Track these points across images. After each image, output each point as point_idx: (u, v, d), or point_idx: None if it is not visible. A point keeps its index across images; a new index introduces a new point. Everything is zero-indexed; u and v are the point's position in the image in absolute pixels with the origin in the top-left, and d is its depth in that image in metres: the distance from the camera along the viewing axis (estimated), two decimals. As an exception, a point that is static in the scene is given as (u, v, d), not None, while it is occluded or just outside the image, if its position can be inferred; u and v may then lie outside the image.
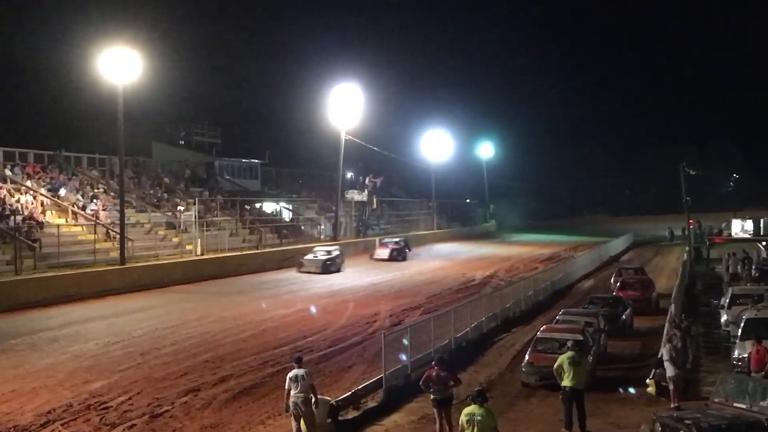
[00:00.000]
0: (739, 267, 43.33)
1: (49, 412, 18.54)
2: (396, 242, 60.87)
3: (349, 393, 19.17)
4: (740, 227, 69.56)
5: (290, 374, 16.35)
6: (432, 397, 16.89)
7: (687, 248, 57.81)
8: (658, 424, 15.41)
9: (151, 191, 55.30)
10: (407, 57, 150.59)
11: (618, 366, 24.65)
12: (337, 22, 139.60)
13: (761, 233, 52.84)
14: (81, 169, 53.65)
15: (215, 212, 56.15)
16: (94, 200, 47.37)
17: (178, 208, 53.03)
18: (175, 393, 20.33)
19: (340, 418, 17.79)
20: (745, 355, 21.40)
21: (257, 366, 23.55)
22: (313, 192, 77.69)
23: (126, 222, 43.40)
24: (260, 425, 18.00)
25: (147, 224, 49.14)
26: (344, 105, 64.84)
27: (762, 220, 53.16)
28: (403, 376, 20.97)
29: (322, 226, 67.79)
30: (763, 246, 52.59)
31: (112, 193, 50.10)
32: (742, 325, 23.72)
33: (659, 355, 21.07)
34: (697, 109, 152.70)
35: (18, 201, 42.49)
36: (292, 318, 32.61)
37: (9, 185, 44.42)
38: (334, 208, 67.46)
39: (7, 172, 46.31)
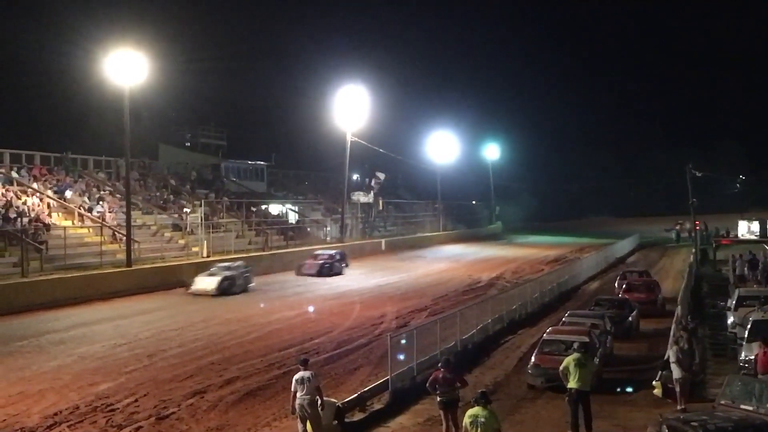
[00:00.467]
0: (745, 268, 43.25)
1: (55, 413, 18.59)
2: (330, 255, 52.58)
3: (356, 395, 19.18)
4: (746, 229, 69.48)
5: (296, 376, 16.35)
6: (438, 399, 16.89)
7: (693, 250, 57.75)
8: (665, 426, 15.36)
9: (158, 193, 55.36)
10: (413, 58, 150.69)
11: (624, 368, 24.58)
12: (343, 24, 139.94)
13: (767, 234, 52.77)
14: (87, 171, 53.72)
15: (221, 214, 56.17)
16: (101, 202, 47.44)
17: (185, 209, 53.07)
18: (181, 395, 20.36)
19: (346, 420, 17.79)
20: (752, 357, 21.35)
21: (263, 368, 23.56)
22: (319, 194, 77.69)
23: (132, 224, 43.42)
24: (266, 427, 18.02)
25: (153, 226, 49.19)
26: (350, 107, 64.94)
27: (768, 222, 53.10)
28: (409, 378, 20.96)
29: (328, 228, 67.79)
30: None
31: (118, 195, 50.13)
32: (748, 327, 23.67)
33: (666, 357, 21.03)
34: (704, 111, 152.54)
35: (24, 203, 42.54)
36: (298, 320, 32.63)
37: (16, 187, 44.50)
38: (340, 209, 67.52)
39: (14, 174, 46.39)
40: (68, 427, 17.74)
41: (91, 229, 44.50)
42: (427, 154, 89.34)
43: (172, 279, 42.57)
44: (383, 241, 70.49)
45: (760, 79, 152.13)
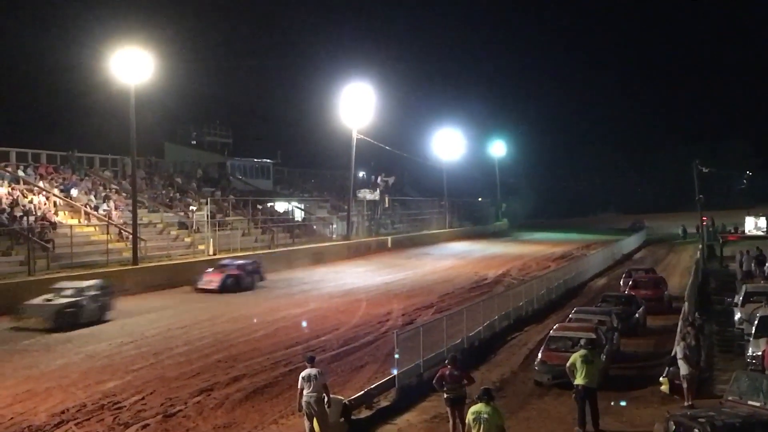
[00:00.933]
0: (752, 265, 43.14)
1: (62, 412, 18.61)
2: (239, 265, 42.70)
3: (362, 392, 19.18)
4: (753, 224, 69.33)
5: (303, 374, 16.35)
6: (445, 396, 16.89)
7: (700, 246, 57.62)
8: (672, 422, 15.35)
9: (164, 191, 55.41)
10: (419, 56, 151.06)
11: (631, 365, 24.56)
12: (348, 22, 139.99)
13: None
14: (93, 169, 53.81)
15: (227, 212, 56.19)
16: (107, 200, 47.49)
17: (191, 208, 53.11)
18: (188, 393, 20.37)
19: (352, 417, 17.77)
20: (759, 353, 21.32)
21: (270, 365, 23.57)
22: (325, 191, 77.69)
23: (138, 222, 43.47)
24: (273, 425, 18.02)
25: (159, 224, 49.22)
26: (356, 104, 64.86)
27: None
28: (415, 375, 20.95)
29: (334, 226, 67.77)
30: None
31: (124, 194, 50.19)
32: (755, 323, 23.64)
33: (673, 354, 20.99)
34: (710, 107, 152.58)
35: (31, 201, 42.62)
36: (305, 317, 32.57)
37: (22, 186, 44.60)
38: (346, 207, 67.48)
39: (20, 173, 46.49)
40: (75, 425, 17.76)
41: (97, 228, 44.53)
42: (433, 151, 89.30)
43: (179, 277, 42.59)
44: (389, 238, 70.47)
45: (766, 75, 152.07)
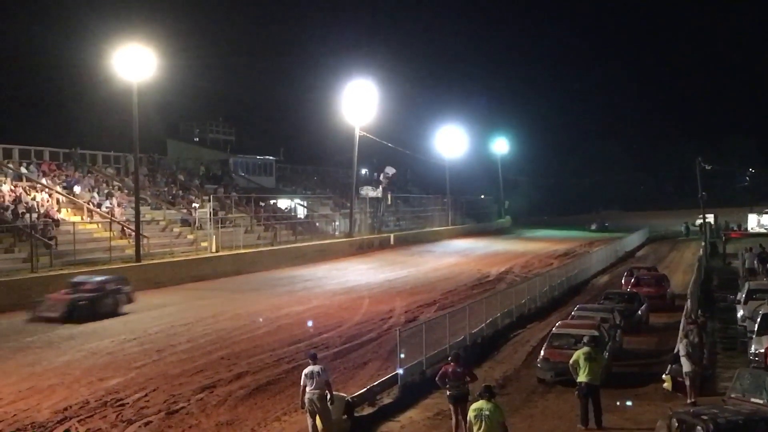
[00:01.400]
0: (755, 262, 43.13)
1: (65, 408, 18.63)
2: (97, 283, 32.88)
3: (365, 389, 19.19)
4: (756, 222, 69.42)
5: (306, 371, 16.36)
6: (448, 393, 16.88)
7: (703, 243, 57.61)
8: (675, 419, 15.34)
9: (166, 188, 55.44)
10: (421, 53, 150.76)
11: (634, 362, 24.54)
12: (351, 19, 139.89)
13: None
14: (96, 166, 53.83)
15: (230, 209, 56.23)
16: (110, 198, 47.51)
17: (193, 205, 53.11)
18: (190, 390, 20.39)
19: (355, 414, 17.80)
20: (762, 350, 21.37)
21: (273, 363, 23.58)
22: (327, 188, 77.76)
23: (141, 219, 43.53)
24: (276, 421, 18.02)
25: (162, 221, 49.27)
26: (358, 101, 64.88)
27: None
28: (418, 373, 20.96)
29: (337, 223, 67.81)
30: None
31: (127, 191, 50.22)
32: (758, 320, 23.63)
33: (675, 351, 20.98)
34: (713, 105, 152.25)
35: (34, 198, 42.66)
36: (308, 314, 32.59)
37: (25, 183, 44.65)
38: (348, 204, 67.49)
39: (23, 170, 46.54)
40: (78, 421, 17.77)
41: (100, 225, 44.59)
42: (436, 148, 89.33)
43: (182, 274, 42.64)
44: (392, 235, 70.49)
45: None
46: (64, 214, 43.47)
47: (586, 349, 18.37)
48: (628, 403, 19.64)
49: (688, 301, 28.38)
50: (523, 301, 32.43)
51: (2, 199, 40.76)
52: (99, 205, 46.17)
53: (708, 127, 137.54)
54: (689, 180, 64.09)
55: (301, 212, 67.34)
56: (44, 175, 47.14)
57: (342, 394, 17.77)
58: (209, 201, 52.25)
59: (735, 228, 73.76)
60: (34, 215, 40.18)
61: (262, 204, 61.81)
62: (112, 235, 43.50)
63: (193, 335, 27.99)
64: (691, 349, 19.92)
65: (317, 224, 65.89)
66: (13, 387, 20.57)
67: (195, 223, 50.62)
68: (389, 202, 77.45)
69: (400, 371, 20.13)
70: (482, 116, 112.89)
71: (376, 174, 79.89)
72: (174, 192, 55.40)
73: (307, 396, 16.17)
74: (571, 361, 18.31)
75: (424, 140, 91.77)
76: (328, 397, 16.23)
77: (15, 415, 18.19)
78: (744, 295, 29.61)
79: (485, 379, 19.67)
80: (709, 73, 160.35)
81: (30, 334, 27.82)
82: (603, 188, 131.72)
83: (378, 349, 25.42)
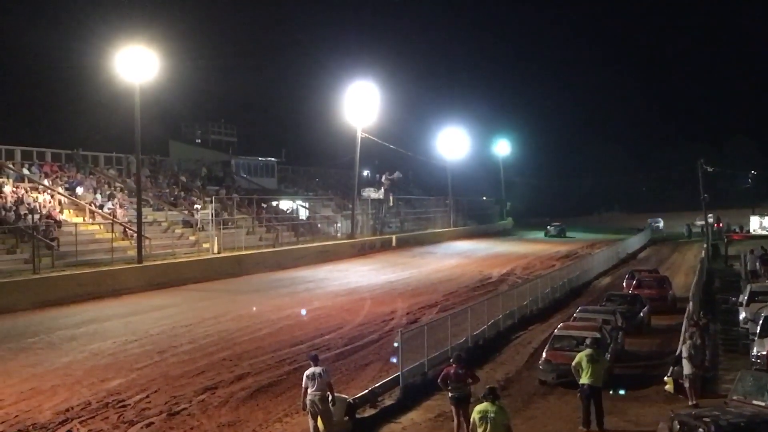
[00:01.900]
0: (757, 264, 43.08)
1: (67, 410, 18.62)
2: None
3: (366, 391, 19.17)
4: (758, 224, 69.37)
5: (307, 372, 16.35)
6: (450, 394, 16.87)
7: (705, 245, 57.56)
8: (676, 421, 15.34)
9: (168, 190, 55.43)
10: (423, 55, 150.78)
11: (636, 364, 24.53)
12: (353, 21, 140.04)
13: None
14: (98, 167, 53.87)
15: (232, 210, 56.24)
16: (111, 199, 47.53)
17: (195, 206, 53.13)
18: (192, 391, 20.38)
19: (357, 416, 17.79)
20: (764, 353, 21.33)
21: (274, 364, 23.57)
22: (329, 190, 77.75)
23: (143, 220, 43.52)
24: (277, 423, 18.01)
25: (164, 223, 49.27)
26: (360, 103, 64.95)
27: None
28: (420, 374, 20.95)
29: (339, 224, 67.80)
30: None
31: (128, 192, 50.25)
32: (760, 322, 23.57)
33: (678, 353, 20.97)
34: (715, 106, 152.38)
35: (36, 200, 42.68)
36: (309, 316, 32.62)
37: (27, 184, 44.66)
38: (350, 206, 67.50)
39: (25, 171, 46.59)
40: (80, 422, 17.76)
41: (102, 226, 44.61)
42: (438, 150, 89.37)
43: (183, 276, 42.65)
44: (394, 237, 70.50)
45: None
46: (66, 216, 43.47)
47: (588, 350, 18.37)
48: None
49: (690, 303, 28.35)
50: (525, 302, 32.41)
51: (4, 200, 40.77)
52: (101, 207, 46.18)
53: (710, 129, 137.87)
54: (692, 182, 63.98)
55: (303, 214, 67.32)
56: (46, 176, 47.17)
57: (343, 396, 17.75)
58: (211, 202, 52.27)
59: (737, 230, 73.74)
60: (36, 216, 40.20)
61: (264, 205, 61.82)
62: (114, 236, 43.54)
63: (194, 336, 27.98)
64: (693, 352, 19.91)
65: (319, 226, 65.90)
66: (14, 388, 20.56)
67: (197, 224, 50.64)
68: (391, 204, 77.47)
69: (401, 369, 20.12)
70: (484, 118, 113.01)
71: (378, 175, 79.88)
72: (176, 193, 55.41)
73: (308, 397, 16.16)
74: (573, 363, 18.30)
75: (425, 142, 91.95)
76: (330, 398, 16.22)
77: (17, 416, 18.19)
78: (746, 297, 29.53)
79: (487, 381, 19.64)
80: (712, 75, 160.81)
81: (32, 335, 27.81)
82: (605, 190, 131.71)
83: (380, 351, 25.39)
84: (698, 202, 61.89)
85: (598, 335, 21.74)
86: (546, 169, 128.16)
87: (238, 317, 32.23)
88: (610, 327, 24.86)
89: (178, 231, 49.58)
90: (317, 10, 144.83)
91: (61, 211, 43.29)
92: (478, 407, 14.25)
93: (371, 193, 74.03)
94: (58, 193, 45.24)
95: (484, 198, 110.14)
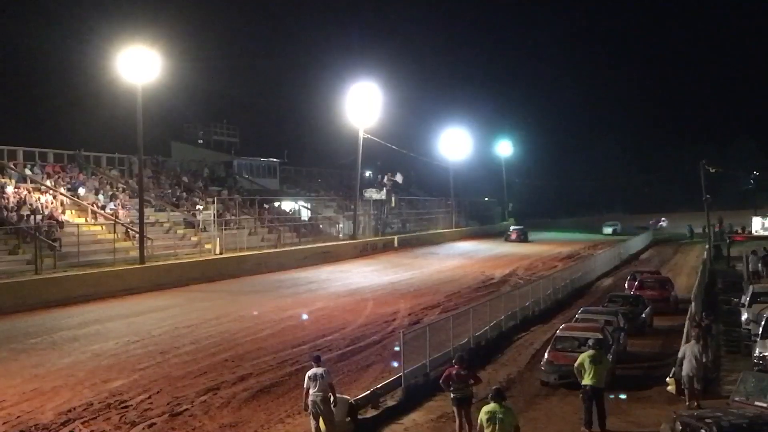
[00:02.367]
0: (759, 265, 43.06)
1: (69, 410, 18.62)
2: None
3: (368, 392, 19.14)
4: (761, 225, 69.11)
5: (309, 373, 16.36)
6: (452, 395, 16.85)
7: (707, 246, 57.52)
8: (678, 423, 15.32)
9: (170, 190, 55.46)
10: (425, 55, 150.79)
11: (638, 365, 24.52)
12: (355, 21, 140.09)
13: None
14: (100, 168, 53.90)
15: (234, 211, 56.26)
16: (114, 199, 47.55)
17: (197, 207, 53.17)
18: (194, 392, 20.37)
19: (359, 416, 17.78)
20: (766, 354, 21.28)
21: (276, 365, 23.56)
22: (331, 190, 77.79)
23: (145, 221, 43.57)
24: (279, 424, 18.01)
25: (166, 223, 49.31)
26: (362, 103, 64.96)
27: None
28: (422, 375, 20.94)
29: (341, 225, 67.84)
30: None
31: (131, 192, 50.30)
32: (762, 323, 23.56)
33: (680, 354, 20.94)
34: (717, 107, 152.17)
35: (38, 200, 42.71)
36: (311, 317, 32.61)
37: (29, 185, 44.69)
38: (352, 206, 67.49)
39: (27, 172, 46.62)
40: (82, 423, 17.77)
41: (104, 227, 44.64)
42: (440, 150, 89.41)
43: (185, 276, 42.66)
44: (396, 237, 70.54)
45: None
46: (69, 216, 43.49)
47: (591, 351, 18.37)
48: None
49: (693, 304, 28.33)
50: (527, 303, 32.42)
51: (6, 201, 40.81)
52: (103, 207, 46.22)
53: (712, 130, 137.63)
54: (694, 183, 63.91)
55: (305, 214, 67.38)
56: (48, 176, 47.21)
57: (345, 397, 17.75)
58: (213, 203, 52.34)
59: (739, 231, 73.48)
60: (39, 217, 40.21)
61: (266, 206, 61.87)
62: (116, 236, 43.58)
63: (196, 337, 27.98)
64: (696, 352, 19.86)
65: (321, 226, 65.93)
66: (17, 389, 20.56)
67: (199, 225, 50.66)
68: (393, 205, 77.48)
69: (403, 370, 20.11)
70: (486, 118, 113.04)
71: (380, 176, 79.91)
72: (178, 194, 55.44)
73: (310, 398, 16.16)
74: (576, 364, 18.29)
75: (428, 142, 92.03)
76: (332, 399, 16.22)
77: (19, 416, 18.19)
78: (748, 298, 29.55)
79: (489, 382, 19.65)
80: (714, 76, 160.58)
81: (34, 336, 27.81)
82: (607, 191, 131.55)
83: (382, 352, 25.38)
84: (700, 203, 61.80)
85: (600, 336, 21.74)
86: (548, 170, 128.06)
87: (240, 318, 32.23)
88: (613, 328, 24.87)
89: (180, 232, 49.62)
90: (319, 11, 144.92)
91: (63, 212, 43.32)
92: (486, 408, 14.21)
93: (373, 194, 74.00)
94: (61, 193, 45.27)
95: (486, 199, 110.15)
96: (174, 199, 54.01)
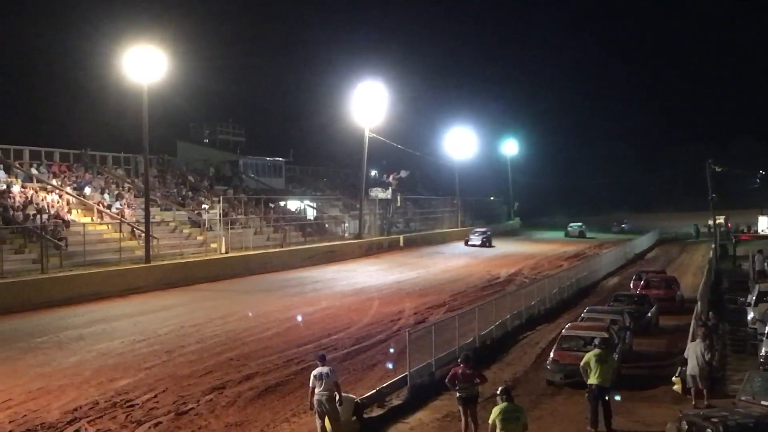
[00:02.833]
0: (765, 264, 42.94)
1: (75, 409, 18.64)
2: None
3: (374, 391, 19.17)
4: (766, 224, 69.07)
5: (315, 372, 16.35)
6: (458, 395, 16.83)
7: (713, 246, 57.44)
8: (685, 422, 15.31)
9: (176, 190, 55.53)
10: (431, 54, 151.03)
11: (644, 364, 24.48)
12: (361, 21, 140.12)
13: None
14: (106, 167, 53.97)
15: (240, 210, 56.30)
16: (119, 199, 47.62)
17: (203, 206, 53.21)
18: (200, 391, 20.38)
19: (364, 415, 17.77)
20: (773, 353, 21.23)
21: (282, 364, 23.56)
22: (337, 190, 77.81)
23: (151, 220, 43.59)
24: (285, 423, 18.01)
25: (172, 222, 49.36)
26: (368, 103, 64.95)
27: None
28: (427, 374, 20.92)
29: (347, 224, 67.85)
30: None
31: (136, 192, 50.34)
32: (768, 322, 23.54)
33: (685, 353, 20.91)
34: (723, 107, 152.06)
35: (44, 200, 42.77)
36: (317, 316, 32.62)
37: (35, 184, 44.77)
38: (358, 206, 67.51)
39: (33, 171, 46.72)
40: (88, 422, 17.78)
41: (110, 226, 44.70)
42: (446, 150, 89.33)
43: (191, 275, 42.69)
44: (401, 237, 70.52)
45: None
46: (75, 215, 43.57)
47: (597, 351, 18.33)
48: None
49: (698, 303, 28.29)
50: (533, 302, 32.40)
51: (13, 200, 40.87)
52: (109, 207, 46.30)
53: (718, 129, 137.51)
54: (699, 182, 63.79)
55: (311, 214, 67.41)
56: (54, 176, 47.29)
57: (351, 396, 17.74)
58: (219, 202, 52.37)
59: (744, 230, 73.47)
60: (45, 216, 40.30)
61: (272, 205, 61.92)
62: (122, 236, 43.64)
63: (202, 336, 28.00)
64: (699, 351, 19.83)
65: (326, 226, 65.93)
66: (23, 387, 20.58)
67: (204, 224, 50.70)
68: (399, 204, 77.50)
69: (408, 369, 20.10)
70: (492, 118, 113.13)
71: (385, 175, 79.87)
72: (184, 193, 55.50)
73: (315, 397, 16.16)
74: (582, 363, 18.26)
75: (433, 142, 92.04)
76: (337, 398, 16.22)
77: (25, 415, 18.21)
78: (754, 298, 29.44)
79: (494, 381, 19.62)
80: (720, 76, 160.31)
81: (40, 335, 27.86)
82: (613, 190, 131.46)
83: (387, 351, 25.37)
84: (706, 202, 61.71)
85: (606, 335, 21.72)
86: (554, 169, 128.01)
87: (246, 317, 32.24)
88: (618, 327, 24.83)
89: (186, 231, 49.67)
90: (325, 11, 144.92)
91: (69, 211, 43.39)
92: (498, 408, 14.13)
93: (379, 193, 74.06)
94: (67, 193, 45.34)
95: (492, 198, 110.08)
96: (180, 198, 54.06)
